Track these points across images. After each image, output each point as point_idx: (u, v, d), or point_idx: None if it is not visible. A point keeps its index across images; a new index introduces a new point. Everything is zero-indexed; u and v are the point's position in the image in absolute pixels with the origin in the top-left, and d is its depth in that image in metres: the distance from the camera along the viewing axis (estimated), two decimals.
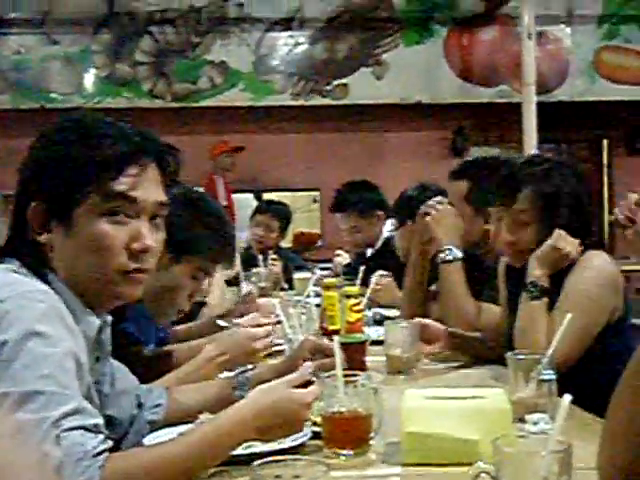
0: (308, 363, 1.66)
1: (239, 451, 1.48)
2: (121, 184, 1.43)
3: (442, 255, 2.77)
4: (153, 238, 1.47)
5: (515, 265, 2.38)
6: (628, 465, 1.18)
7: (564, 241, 2.22)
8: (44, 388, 1.23)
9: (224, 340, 2.18)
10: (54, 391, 1.24)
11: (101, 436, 1.26)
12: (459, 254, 2.76)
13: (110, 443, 1.27)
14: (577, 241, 2.23)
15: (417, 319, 2.53)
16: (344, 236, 4.56)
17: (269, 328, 2.25)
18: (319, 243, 8.08)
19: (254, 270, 4.24)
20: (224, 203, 6.71)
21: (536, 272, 2.23)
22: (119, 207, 1.43)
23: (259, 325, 2.27)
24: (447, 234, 2.81)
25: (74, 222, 1.42)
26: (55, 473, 1.17)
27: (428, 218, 2.87)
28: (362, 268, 3.35)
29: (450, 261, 2.75)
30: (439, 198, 2.97)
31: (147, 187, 1.46)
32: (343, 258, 4.83)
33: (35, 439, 1.18)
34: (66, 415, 1.22)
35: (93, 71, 7.78)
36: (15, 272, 1.39)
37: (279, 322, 2.52)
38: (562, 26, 8.02)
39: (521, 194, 2.29)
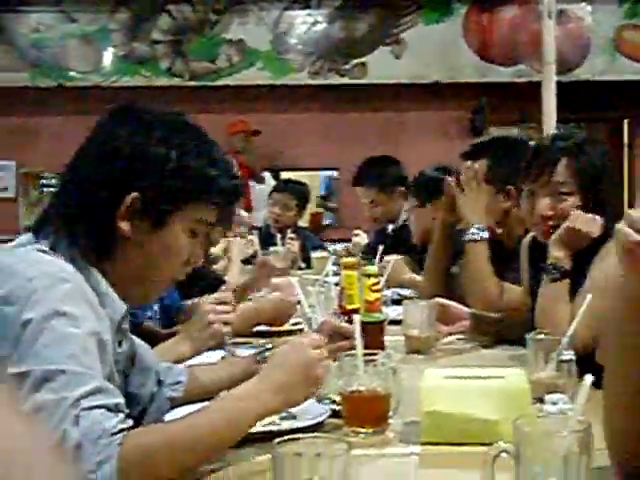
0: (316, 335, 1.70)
1: (259, 428, 1.49)
2: (220, 216, 1.57)
3: (469, 234, 2.75)
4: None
5: (544, 240, 2.36)
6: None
7: (582, 221, 2.20)
8: (66, 367, 1.24)
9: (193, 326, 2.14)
10: (76, 370, 1.25)
11: (121, 415, 1.27)
12: (486, 234, 2.74)
13: (130, 422, 1.28)
14: (599, 220, 2.20)
15: (437, 299, 2.53)
16: (365, 211, 4.54)
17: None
18: (327, 221, 8.11)
19: (272, 249, 4.25)
20: None
21: (556, 254, 2.22)
22: (201, 230, 1.55)
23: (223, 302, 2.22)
24: (475, 213, 2.79)
25: (164, 226, 1.49)
26: (73, 452, 1.18)
27: (458, 197, 2.86)
28: (381, 247, 3.35)
29: (477, 240, 2.74)
30: (469, 163, 2.92)
31: None
32: (362, 238, 4.83)
33: (55, 418, 1.20)
34: (87, 395, 1.23)
35: (111, 49, 7.78)
36: (43, 252, 1.40)
37: (298, 301, 2.53)
38: (583, 4, 7.94)
39: (559, 165, 2.27)
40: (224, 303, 2.13)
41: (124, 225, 1.46)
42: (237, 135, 7.32)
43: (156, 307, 2.48)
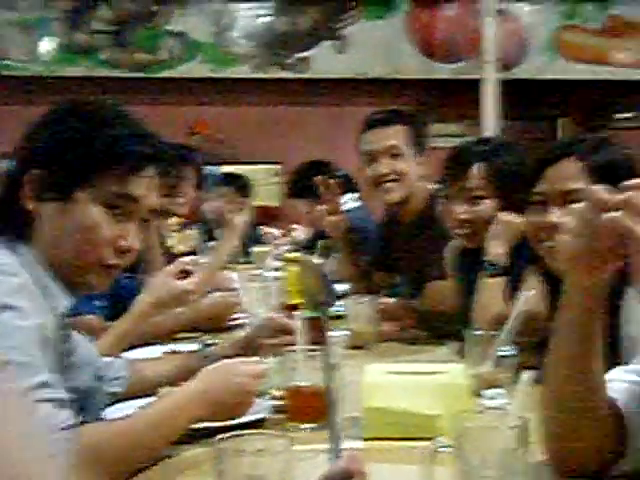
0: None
1: (202, 425, 1.49)
2: (133, 184, 1.46)
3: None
4: (138, 240, 1.50)
5: (469, 245, 2.40)
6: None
7: (512, 216, 2.25)
8: (14, 358, 1.23)
9: (154, 288, 2.19)
10: (24, 362, 1.24)
11: (68, 411, 1.27)
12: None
13: (77, 418, 1.28)
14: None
15: (382, 298, 2.55)
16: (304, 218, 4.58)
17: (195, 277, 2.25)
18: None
19: (211, 243, 4.23)
20: None
21: (494, 250, 2.26)
22: (120, 204, 1.46)
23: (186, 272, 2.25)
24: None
25: (73, 201, 1.42)
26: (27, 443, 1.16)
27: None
28: (320, 242, 3.36)
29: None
30: None
31: (151, 192, 1.50)
32: (300, 232, 4.84)
33: (4, 409, 1.18)
34: (36, 387, 1.23)
35: (51, 39, 7.65)
36: None
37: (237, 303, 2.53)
38: (522, 4, 8.05)
39: (473, 170, 2.32)
40: (184, 271, 2.15)
41: (31, 205, 1.43)
42: (196, 135, 7.27)
43: (98, 303, 2.44)
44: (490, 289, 2.24)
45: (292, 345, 1.79)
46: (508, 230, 2.26)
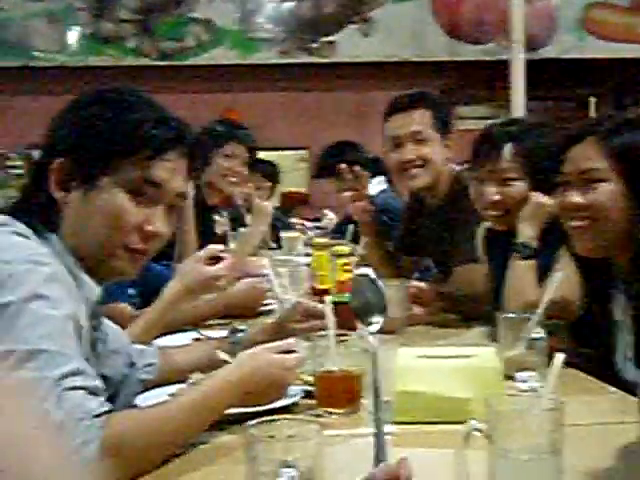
0: (292, 340, 1.67)
1: (233, 411, 1.49)
2: (156, 169, 1.46)
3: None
4: (166, 225, 1.50)
5: (499, 228, 2.38)
6: None
7: (544, 199, 2.23)
8: (46, 347, 1.24)
9: (184, 274, 2.19)
10: (56, 350, 1.24)
11: (101, 398, 1.28)
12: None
13: (109, 406, 1.28)
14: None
15: (412, 282, 2.54)
16: (332, 199, 4.55)
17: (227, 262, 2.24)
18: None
19: (241, 229, 4.23)
20: None
21: (526, 232, 2.25)
22: (145, 188, 1.46)
23: (217, 257, 2.25)
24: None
25: (97, 188, 1.43)
26: (56, 431, 1.17)
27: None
28: (350, 227, 3.35)
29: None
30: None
31: (175, 176, 1.50)
32: (329, 219, 4.83)
33: (36, 397, 1.19)
34: (67, 375, 1.23)
35: (77, 29, 7.68)
36: (19, 235, 1.38)
37: (268, 289, 2.53)
38: None
39: (504, 151, 2.29)
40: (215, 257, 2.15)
41: (57, 193, 1.44)
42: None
43: (131, 291, 2.45)
44: (522, 271, 2.22)
45: (322, 330, 1.78)
46: (539, 211, 2.24)
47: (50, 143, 1.48)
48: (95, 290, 1.48)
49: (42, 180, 1.45)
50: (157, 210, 1.49)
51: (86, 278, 1.45)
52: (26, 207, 1.46)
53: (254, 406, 1.52)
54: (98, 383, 1.30)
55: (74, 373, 1.24)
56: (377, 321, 1.52)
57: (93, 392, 1.26)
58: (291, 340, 1.66)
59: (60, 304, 1.30)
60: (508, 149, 2.30)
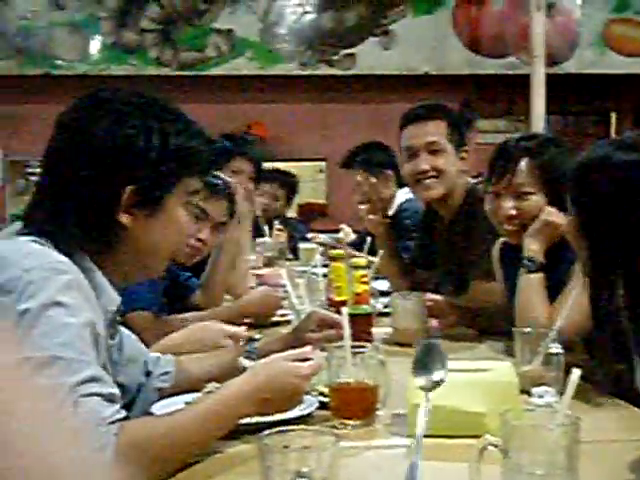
0: (308, 347, 1.67)
1: (247, 420, 1.49)
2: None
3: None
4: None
5: (515, 242, 2.37)
6: None
7: (555, 215, 2.22)
8: (62, 354, 1.25)
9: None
10: (72, 357, 1.25)
11: (117, 405, 1.28)
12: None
13: (124, 413, 1.29)
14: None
15: (427, 294, 2.53)
16: (353, 196, 4.53)
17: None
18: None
19: (259, 240, 4.24)
20: None
21: (532, 247, 2.24)
22: (193, 200, 1.58)
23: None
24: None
25: (163, 207, 1.50)
26: (74, 436, 1.18)
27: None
28: (369, 239, 3.35)
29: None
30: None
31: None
32: (346, 233, 4.82)
33: (53, 404, 1.19)
34: (83, 382, 1.24)
35: (99, 38, 7.73)
36: (38, 243, 1.39)
37: (284, 298, 2.53)
38: None
39: (520, 166, 2.29)
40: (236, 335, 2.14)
41: (124, 218, 1.45)
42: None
43: (150, 296, 2.46)
44: (528, 285, 2.22)
45: (337, 340, 1.78)
46: (547, 228, 2.24)
47: (110, 173, 1.45)
48: (115, 300, 1.49)
49: (106, 207, 1.45)
50: (206, 222, 1.62)
51: (106, 285, 1.46)
52: (66, 225, 1.44)
53: (269, 414, 1.53)
54: (114, 390, 1.30)
55: (90, 380, 1.25)
56: None
57: (109, 399, 1.27)
58: (307, 348, 1.65)
59: (78, 312, 1.31)
60: (524, 164, 2.29)
